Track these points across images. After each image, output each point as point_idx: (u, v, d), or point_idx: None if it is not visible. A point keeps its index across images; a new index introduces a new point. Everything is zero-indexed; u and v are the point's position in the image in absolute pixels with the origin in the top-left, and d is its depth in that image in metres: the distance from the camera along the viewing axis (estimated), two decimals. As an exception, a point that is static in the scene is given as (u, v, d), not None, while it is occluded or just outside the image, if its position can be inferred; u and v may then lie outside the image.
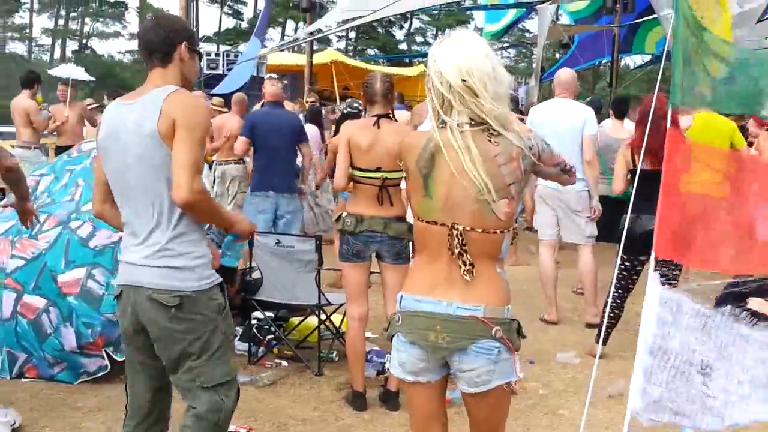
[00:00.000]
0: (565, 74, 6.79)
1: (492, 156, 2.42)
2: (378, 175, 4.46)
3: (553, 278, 6.62)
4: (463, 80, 2.40)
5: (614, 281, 5.53)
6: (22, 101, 9.53)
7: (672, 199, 2.10)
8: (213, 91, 13.35)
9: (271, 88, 7.13)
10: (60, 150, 9.53)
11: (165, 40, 2.88)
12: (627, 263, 5.42)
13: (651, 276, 2.09)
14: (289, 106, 9.50)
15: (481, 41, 2.50)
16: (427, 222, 2.53)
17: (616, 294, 5.43)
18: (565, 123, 6.31)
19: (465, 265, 2.46)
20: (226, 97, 11.33)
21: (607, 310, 5.25)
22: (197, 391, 2.87)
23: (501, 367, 2.50)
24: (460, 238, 2.45)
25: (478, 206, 2.45)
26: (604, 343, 5.16)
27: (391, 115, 4.59)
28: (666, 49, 2.27)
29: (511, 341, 2.51)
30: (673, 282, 5.36)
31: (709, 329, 2.15)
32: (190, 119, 2.74)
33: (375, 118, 4.52)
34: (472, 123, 2.44)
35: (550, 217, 6.58)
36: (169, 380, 2.97)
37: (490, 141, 2.43)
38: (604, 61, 21.21)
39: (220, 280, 2.93)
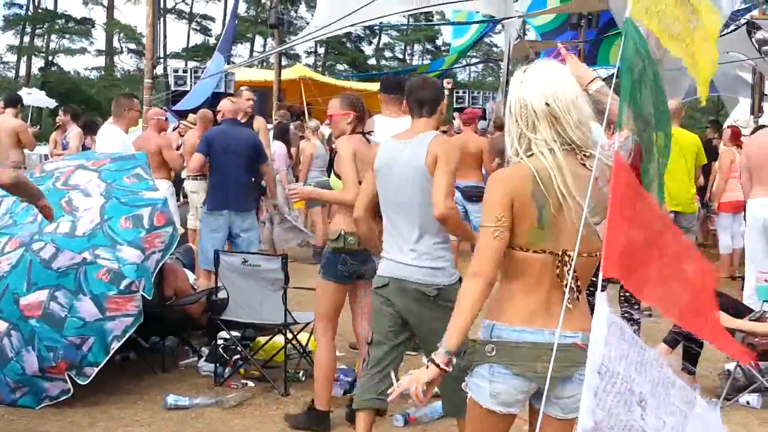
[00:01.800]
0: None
1: (591, 179, 2.39)
2: None
3: None
4: (547, 104, 2.47)
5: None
6: (10, 120, 9.45)
7: (617, 220, 2.12)
8: (176, 107, 13.16)
9: (228, 105, 7.12)
10: None
11: (434, 98, 3.89)
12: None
13: (599, 296, 2.11)
14: (260, 122, 9.40)
15: (565, 70, 2.57)
16: (534, 252, 2.50)
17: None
18: None
19: (574, 292, 2.46)
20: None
21: None
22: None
23: None
24: (571, 265, 2.43)
25: (586, 231, 2.40)
26: None
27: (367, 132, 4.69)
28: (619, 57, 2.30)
29: None
30: (635, 305, 5.46)
31: (644, 362, 2.17)
32: (447, 156, 3.70)
33: (360, 135, 4.55)
34: (561, 145, 2.47)
35: None
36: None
37: (584, 165, 2.47)
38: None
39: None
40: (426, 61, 39.12)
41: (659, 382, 2.20)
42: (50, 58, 42.32)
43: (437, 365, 2.47)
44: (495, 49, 40.59)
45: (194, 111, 10.92)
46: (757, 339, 4.97)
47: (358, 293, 4.62)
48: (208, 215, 6.85)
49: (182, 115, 10.81)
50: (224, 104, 7.30)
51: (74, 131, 10.47)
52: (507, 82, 15.18)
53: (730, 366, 5.40)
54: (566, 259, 2.46)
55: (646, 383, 2.16)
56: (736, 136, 9.47)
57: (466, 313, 2.46)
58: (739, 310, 5.16)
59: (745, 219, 9.01)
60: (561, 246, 2.48)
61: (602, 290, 2.13)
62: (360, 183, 4.22)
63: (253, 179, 7.18)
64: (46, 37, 42.70)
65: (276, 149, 9.84)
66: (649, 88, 2.27)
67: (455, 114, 13.58)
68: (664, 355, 5.22)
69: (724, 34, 10.25)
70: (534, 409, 2.65)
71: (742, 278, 8.13)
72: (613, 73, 2.35)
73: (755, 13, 12.10)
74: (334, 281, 4.48)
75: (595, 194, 2.42)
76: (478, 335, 2.60)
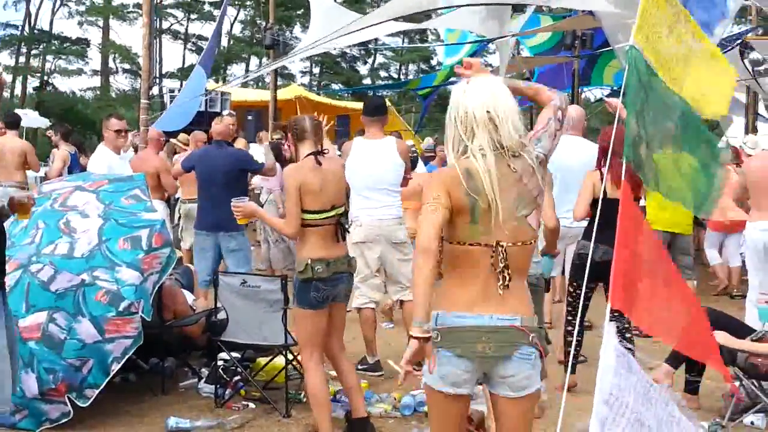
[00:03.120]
0: (574, 112, 6.69)
1: (517, 177, 2.77)
2: (333, 213, 4.46)
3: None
4: (488, 112, 2.76)
5: (565, 309, 5.70)
6: (16, 141, 9.49)
7: (624, 253, 2.15)
8: (157, 126, 12.73)
9: (216, 126, 7.14)
10: None
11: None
12: (578, 291, 5.56)
13: (607, 326, 2.12)
14: (241, 143, 9.38)
15: (501, 83, 2.87)
16: (470, 245, 2.79)
17: (574, 321, 5.61)
18: (576, 161, 6.27)
19: (505, 279, 2.74)
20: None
21: (570, 338, 5.50)
22: None
23: (537, 372, 2.83)
24: (504, 255, 2.74)
25: (515, 222, 2.77)
26: (573, 371, 5.27)
27: (323, 150, 4.53)
28: (624, 84, 2.32)
29: (543, 347, 2.84)
30: (626, 333, 5.45)
31: (650, 398, 2.19)
32: None
33: (312, 157, 4.47)
34: (494, 149, 2.76)
35: (559, 256, 6.46)
36: None
37: (509, 165, 2.77)
38: (564, 94, 21.49)
39: None
40: (420, 80, 39.21)
41: (664, 420, 2.21)
42: (46, 78, 42.35)
43: (416, 338, 2.69)
44: (489, 68, 40.74)
45: (180, 131, 10.90)
46: (759, 359, 4.96)
47: (333, 314, 4.60)
48: (197, 235, 6.95)
49: (169, 134, 10.66)
50: (214, 126, 7.30)
51: (59, 153, 10.40)
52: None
53: (733, 386, 5.39)
54: (500, 249, 2.75)
55: (652, 418, 2.16)
56: (736, 156, 9.49)
57: (421, 287, 2.69)
58: (740, 330, 5.15)
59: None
60: (494, 238, 2.76)
61: (610, 320, 2.15)
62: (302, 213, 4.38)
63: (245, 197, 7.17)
64: (41, 57, 42.74)
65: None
66: (655, 112, 2.28)
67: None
68: (667, 376, 5.25)
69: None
70: (490, 394, 2.92)
71: (742, 297, 8.16)
72: (608, 93, 2.39)
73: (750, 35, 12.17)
74: (310, 309, 4.45)
75: (521, 190, 2.78)
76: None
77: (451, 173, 2.80)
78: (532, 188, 2.80)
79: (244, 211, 4.76)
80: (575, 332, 5.37)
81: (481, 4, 8.52)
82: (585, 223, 5.74)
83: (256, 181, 9.73)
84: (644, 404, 2.19)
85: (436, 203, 2.76)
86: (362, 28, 7.83)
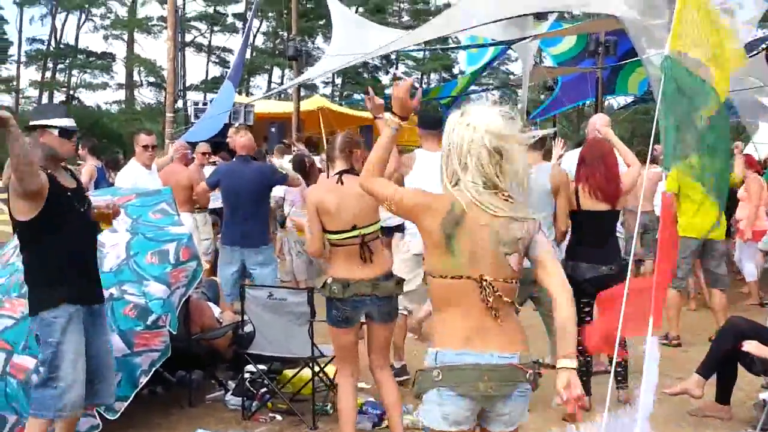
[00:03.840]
0: (600, 120, 6.59)
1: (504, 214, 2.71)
2: (355, 233, 4.36)
3: None
4: (493, 146, 2.69)
5: None
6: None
7: (665, 270, 2.16)
8: (186, 138, 12.78)
9: (240, 140, 7.13)
10: None
11: None
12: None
13: (649, 342, 2.13)
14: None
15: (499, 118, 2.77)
16: (452, 278, 2.74)
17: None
18: None
19: (496, 314, 2.71)
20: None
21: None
22: None
23: (527, 405, 2.84)
24: (492, 288, 2.70)
25: (497, 259, 2.72)
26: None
27: (354, 170, 4.44)
28: (649, 90, 2.32)
29: (535, 382, 2.82)
30: None
31: None
32: None
33: (337, 176, 4.43)
34: (484, 185, 2.71)
35: None
36: None
37: (506, 200, 2.72)
38: (588, 102, 21.44)
39: None
40: (442, 90, 39.22)
41: None
42: (72, 92, 42.89)
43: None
44: (511, 76, 40.70)
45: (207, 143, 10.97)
46: (789, 368, 4.89)
47: (370, 332, 4.58)
48: (222, 249, 6.99)
49: (193, 146, 10.77)
50: (235, 141, 7.29)
51: (87, 166, 10.49)
52: (527, 112, 15.22)
53: (766, 395, 5.32)
54: (484, 283, 2.71)
55: None
56: (750, 164, 9.34)
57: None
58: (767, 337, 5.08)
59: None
60: (479, 272, 2.72)
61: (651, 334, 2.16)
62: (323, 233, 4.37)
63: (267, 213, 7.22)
64: (67, 71, 43.30)
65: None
66: (698, 120, 2.27)
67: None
68: (698, 386, 5.19)
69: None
70: (482, 429, 2.89)
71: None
72: (634, 101, 2.39)
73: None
74: (334, 326, 4.46)
75: (504, 229, 2.72)
76: (425, 363, 2.83)
77: (435, 199, 2.79)
78: (516, 229, 2.75)
79: (298, 223, 4.83)
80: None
81: (504, 19, 8.51)
82: None
83: (276, 192, 9.74)
84: None
85: (398, 193, 2.89)
86: (390, 51, 7.91)
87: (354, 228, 4.36)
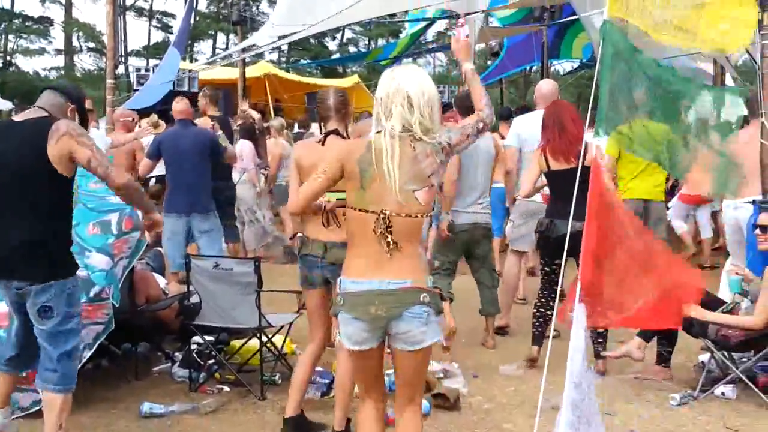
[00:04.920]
0: (546, 86, 6.84)
1: (413, 156, 3.07)
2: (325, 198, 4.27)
3: (514, 287, 7.04)
4: (408, 95, 3.08)
5: (539, 283, 5.81)
6: None
7: (593, 228, 2.16)
8: (129, 105, 12.39)
9: (175, 105, 7.03)
10: None
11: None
12: (546, 267, 5.80)
13: (577, 308, 2.13)
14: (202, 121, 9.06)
15: (425, 73, 3.23)
16: (359, 210, 3.11)
17: (540, 294, 5.81)
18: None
19: (388, 245, 3.05)
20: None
21: (533, 310, 5.74)
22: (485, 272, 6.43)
23: (431, 328, 3.13)
24: (387, 221, 3.04)
25: (404, 195, 3.06)
26: (539, 344, 5.64)
27: (342, 132, 4.34)
28: (593, 55, 2.31)
29: (436, 304, 3.13)
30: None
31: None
32: None
33: (322, 136, 4.35)
34: (403, 129, 3.08)
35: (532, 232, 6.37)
36: None
37: (411, 145, 3.08)
38: (534, 68, 21.52)
39: None
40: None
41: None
42: (8, 58, 41.54)
43: None
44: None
45: (150, 109, 10.75)
46: (730, 331, 5.02)
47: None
48: (167, 218, 6.63)
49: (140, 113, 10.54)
50: (174, 106, 7.16)
51: None
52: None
53: (705, 357, 5.46)
54: (382, 217, 3.05)
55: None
56: None
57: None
58: (711, 302, 5.20)
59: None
60: (382, 207, 3.07)
61: (580, 301, 2.17)
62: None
63: (212, 179, 7.07)
64: (3, 37, 41.90)
65: (243, 148, 9.75)
66: (637, 82, 2.27)
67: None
68: (639, 349, 5.32)
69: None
70: (392, 348, 3.22)
71: (711, 268, 8.25)
72: (578, 66, 2.39)
73: None
74: (301, 286, 4.46)
75: (415, 168, 3.07)
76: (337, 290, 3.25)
77: (356, 144, 3.25)
78: (425, 167, 3.09)
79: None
80: (552, 305, 5.49)
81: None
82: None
83: (243, 195, 9.61)
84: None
85: (322, 173, 3.24)
86: (339, 25, 7.82)
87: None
